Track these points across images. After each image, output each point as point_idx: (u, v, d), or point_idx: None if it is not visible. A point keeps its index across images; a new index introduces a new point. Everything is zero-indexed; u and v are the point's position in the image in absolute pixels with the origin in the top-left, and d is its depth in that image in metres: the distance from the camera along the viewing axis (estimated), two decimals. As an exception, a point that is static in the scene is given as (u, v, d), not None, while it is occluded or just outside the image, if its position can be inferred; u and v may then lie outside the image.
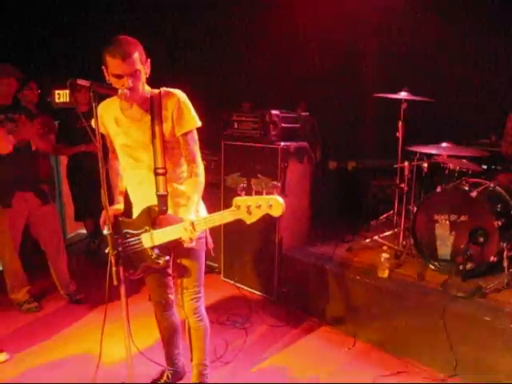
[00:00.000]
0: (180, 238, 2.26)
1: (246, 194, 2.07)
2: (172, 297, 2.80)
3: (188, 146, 2.41)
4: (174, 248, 2.44)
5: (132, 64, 2.20)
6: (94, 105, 2.12)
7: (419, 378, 3.09)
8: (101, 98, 2.30)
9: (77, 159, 4.77)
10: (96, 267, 3.19)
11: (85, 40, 5.66)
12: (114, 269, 2.23)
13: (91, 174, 2.99)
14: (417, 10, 5.75)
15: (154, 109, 2.36)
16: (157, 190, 2.39)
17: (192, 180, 2.44)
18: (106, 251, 2.26)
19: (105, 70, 2.26)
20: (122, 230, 2.44)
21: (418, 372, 3.15)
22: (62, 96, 6.21)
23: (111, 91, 2.23)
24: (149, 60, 2.33)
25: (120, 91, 2.19)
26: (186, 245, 2.28)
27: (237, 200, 2.06)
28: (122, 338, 2.37)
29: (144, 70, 2.29)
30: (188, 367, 2.94)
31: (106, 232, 2.27)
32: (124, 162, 2.52)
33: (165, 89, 2.42)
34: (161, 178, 2.39)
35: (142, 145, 2.41)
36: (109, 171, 2.61)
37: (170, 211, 2.41)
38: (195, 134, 2.44)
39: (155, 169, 2.39)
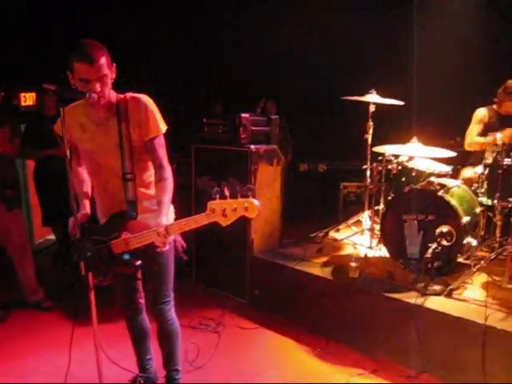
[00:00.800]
0: (152, 243, 2.24)
1: (221, 198, 2.04)
2: (142, 301, 2.77)
3: (155, 151, 2.39)
4: (143, 252, 2.41)
5: (100, 69, 2.19)
6: (60, 109, 2.09)
7: (393, 376, 3.13)
8: (68, 102, 2.28)
9: (44, 163, 4.68)
10: (65, 274, 3.14)
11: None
12: (83, 275, 2.20)
13: (59, 179, 2.94)
14: (388, 12, 5.87)
15: (120, 114, 2.34)
16: (126, 196, 2.36)
17: (161, 184, 2.40)
18: (75, 257, 2.23)
19: (70, 75, 2.23)
20: (91, 236, 2.39)
21: (391, 370, 3.19)
22: (28, 99, 6.11)
23: (78, 95, 2.21)
24: (114, 65, 2.31)
25: (88, 95, 2.17)
26: (159, 249, 2.26)
27: (211, 204, 2.04)
28: (91, 345, 2.33)
29: (110, 74, 2.27)
30: (160, 373, 2.91)
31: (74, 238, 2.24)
32: (90, 167, 2.49)
33: (131, 94, 2.39)
34: (129, 183, 2.36)
35: (107, 150, 2.38)
36: (73, 178, 2.55)
37: (139, 216, 2.39)
38: (162, 139, 2.42)
39: (123, 174, 2.36)
